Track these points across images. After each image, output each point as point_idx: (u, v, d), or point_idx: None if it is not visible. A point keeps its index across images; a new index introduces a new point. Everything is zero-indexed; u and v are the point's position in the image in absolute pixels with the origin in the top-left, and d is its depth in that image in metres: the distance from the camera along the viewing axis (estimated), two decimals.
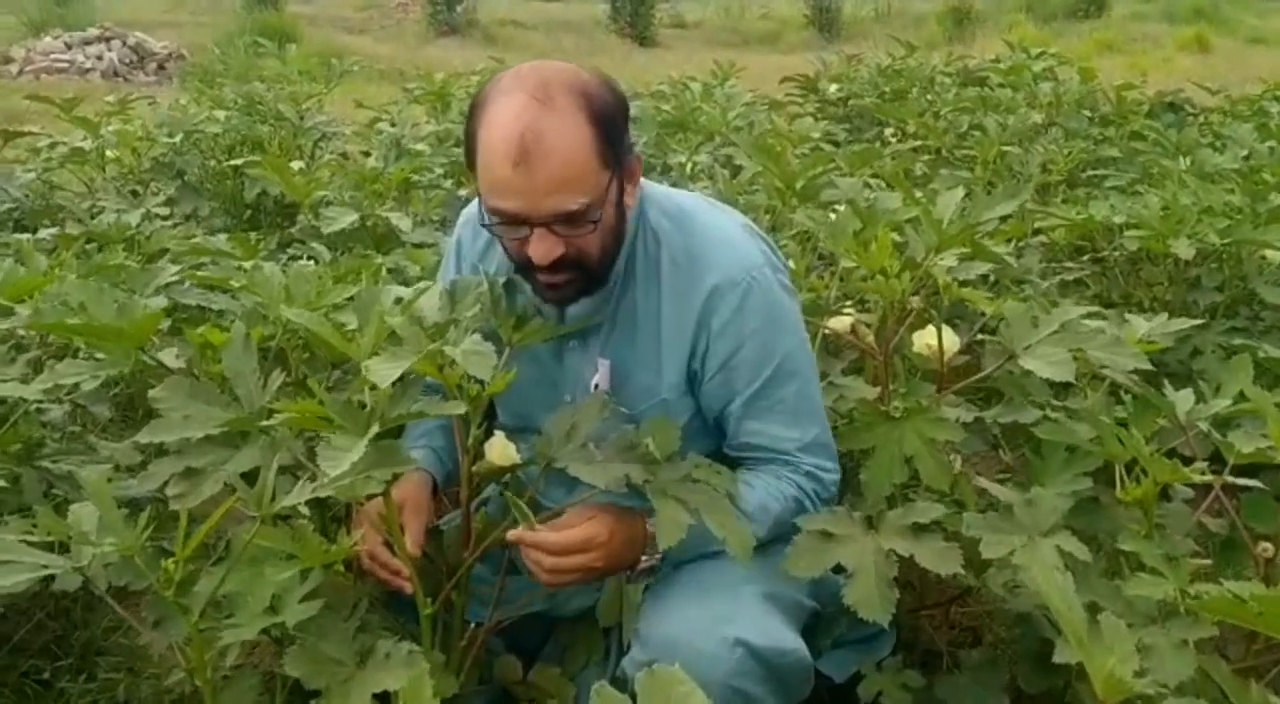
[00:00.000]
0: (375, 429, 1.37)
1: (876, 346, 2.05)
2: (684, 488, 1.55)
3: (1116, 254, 2.81)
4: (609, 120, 1.62)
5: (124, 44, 12.70)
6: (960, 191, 2.02)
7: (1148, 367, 1.82)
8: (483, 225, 1.66)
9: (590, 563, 1.61)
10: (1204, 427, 1.66)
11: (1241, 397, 1.67)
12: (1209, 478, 1.49)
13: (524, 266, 1.67)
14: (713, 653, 1.54)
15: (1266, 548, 1.44)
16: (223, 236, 2.50)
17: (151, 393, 1.53)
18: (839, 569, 1.60)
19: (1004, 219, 2.85)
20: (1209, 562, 1.46)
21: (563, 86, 1.59)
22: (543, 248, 1.60)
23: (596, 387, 1.76)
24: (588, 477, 1.53)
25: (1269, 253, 2.71)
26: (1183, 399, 1.68)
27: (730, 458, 1.77)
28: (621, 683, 1.61)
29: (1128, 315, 1.95)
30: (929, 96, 5.14)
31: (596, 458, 1.57)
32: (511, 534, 1.61)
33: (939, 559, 1.56)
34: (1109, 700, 1.06)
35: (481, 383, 1.49)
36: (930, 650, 2.07)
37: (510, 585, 1.78)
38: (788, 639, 1.61)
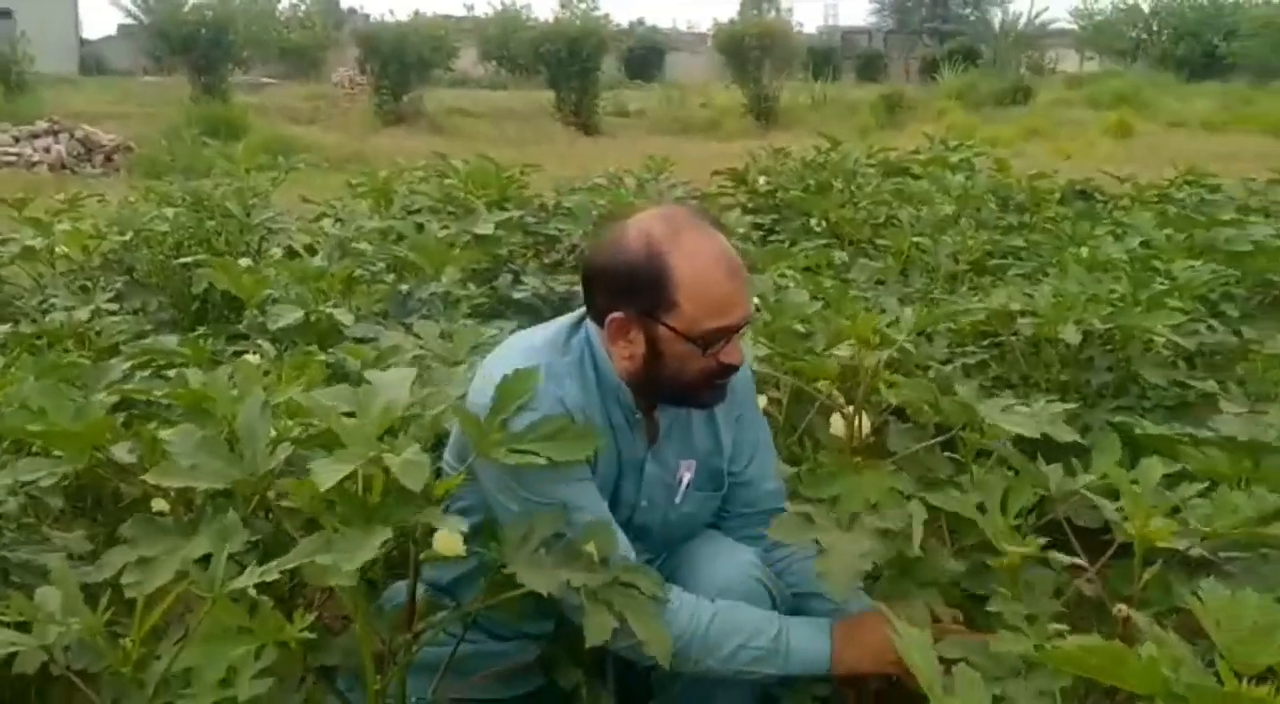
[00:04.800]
0: (388, 532, 1.50)
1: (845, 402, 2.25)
2: (613, 592, 1.70)
3: (1015, 339, 3.02)
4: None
5: (71, 137, 12.86)
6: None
7: (1078, 439, 2.05)
8: (702, 350, 1.85)
9: None
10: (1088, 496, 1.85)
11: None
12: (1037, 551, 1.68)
13: (711, 377, 1.90)
14: (739, 556, 1.95)
15: (1121, 609, 1.61)
16: (173, 338, 2.64)
17: (166, 434, 1.69)
18: None
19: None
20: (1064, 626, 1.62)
21: (698, 213, 1.94)
22: (738, 351, 1.90)
23: (689, 485, 2.04)
24: (533, 582, 1.64)
25: (1155, 337, 2.93)
26: (1054, 472, 1.87)
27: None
28: None
29: (1010, 400, 2.14)
30: (852, 187, 5.40)
31: (546, 564, 1.69)
32: None
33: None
34: None
35: None
36: None
37: (458, 661, 1.92)
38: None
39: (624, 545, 1.83)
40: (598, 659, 1.87)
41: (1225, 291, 3.63)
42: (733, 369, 1.90)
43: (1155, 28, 31.75)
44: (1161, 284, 3.14)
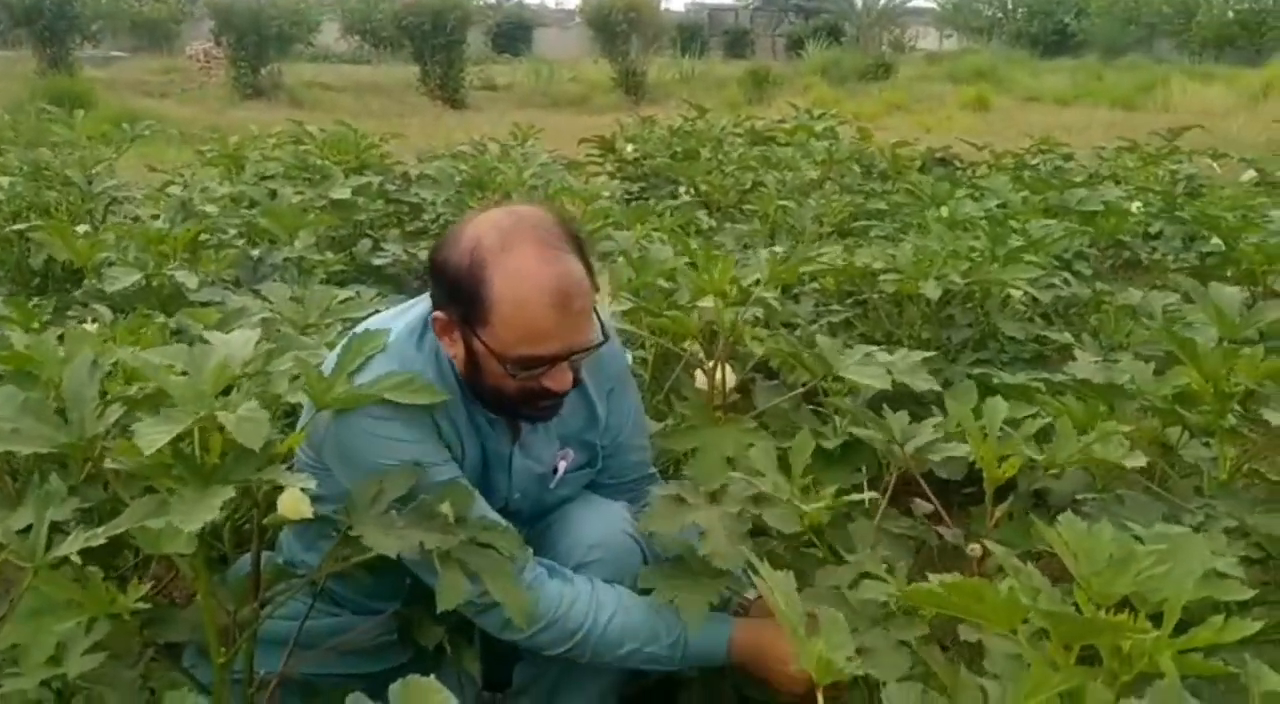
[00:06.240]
0: (229, 491, 1.40)
1: (705, 359, 2.23)
2: (469, 551, 1.62)
3: (877, 296, 3.04)
4: (585, 247, 1.79)
5: None
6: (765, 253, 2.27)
7: (937, 388, 2.09)
8: (510, 375, 1.72)
9: None
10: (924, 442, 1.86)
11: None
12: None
13: (528, 398, 1.77)
14: (611, 513, 1.91)
15: (975, 549, 1.62)
16: None
17: None
18: None
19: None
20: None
21: (554, 228, 1.74)
22: (563, 377, 1.75)
23: (564, 472, 1.96)
24: (380, 545, 1.55)
25: (1012, 291, 2.99)
26: (897, 420, 1.87)
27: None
28: None
29: (869, 349, 2.15)
30: (719, 155, 5.41)
31: (397, 524, 1.61)
32: None
33: (782, 519, 1.70)
34: (822, 682, 1.20)
35: None
36: None
37: (307, 634, 1.83)
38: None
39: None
40: (463, 619, 1.81)
41: (1078, 251, 3.73)
42: (557, 394, 1.79)
43: (1010, 6, 32.66)
44: (1018, 241, 3.19)
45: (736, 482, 1.78)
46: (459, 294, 1.72)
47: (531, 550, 1.82)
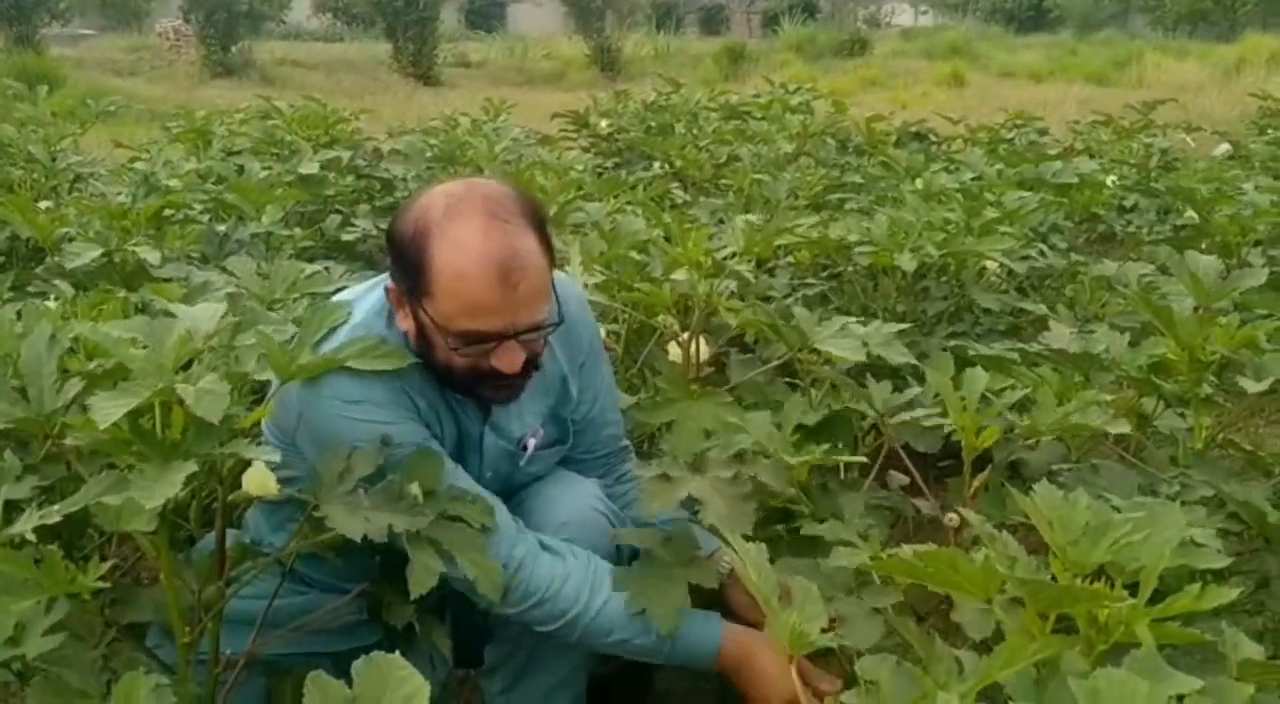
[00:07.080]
0: (191, 466, 1.36)
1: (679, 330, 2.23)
2: (439, 528, 1.59)
3: (852, 269, 3.02)
4: (546, 226, 1.73)
5: None
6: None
7: (913, 361, 2.09)
8: (452, 350, 1.67)
9: None
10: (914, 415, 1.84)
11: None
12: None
13: (479, 377, 1.72)
14: (581, 489, 1.90)
15: (952, 519, 1.61)
16: None
17: None
18: None
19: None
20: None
21: (508, 201, 1.68)
22: (511, 358, 1.69)
23: (534, 449, 1.92)
24: (345, 526, 1.51)
25: (988, 263, 2.97)
26: (879, 390, 1.85)
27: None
28: None
29: (846, 320, 2.12)
30: (694, 130, 5.38)
31: (364, 504, 1.57)
32: None
33: (772, 475, 1.68)
34: (795, 653, 1.18)
35: None
36: None
37: (274, 614, 1.80)
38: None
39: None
40: (433, 597, 1.78)
41: (1054, 224, 3.73)
42: (508, 376, 1.72)
43: None
44: (993, 213, 3.18)
45: (714, 447, 1.75)
46: (404, 265, 1.68)
47: (523, 523, 1.80)
